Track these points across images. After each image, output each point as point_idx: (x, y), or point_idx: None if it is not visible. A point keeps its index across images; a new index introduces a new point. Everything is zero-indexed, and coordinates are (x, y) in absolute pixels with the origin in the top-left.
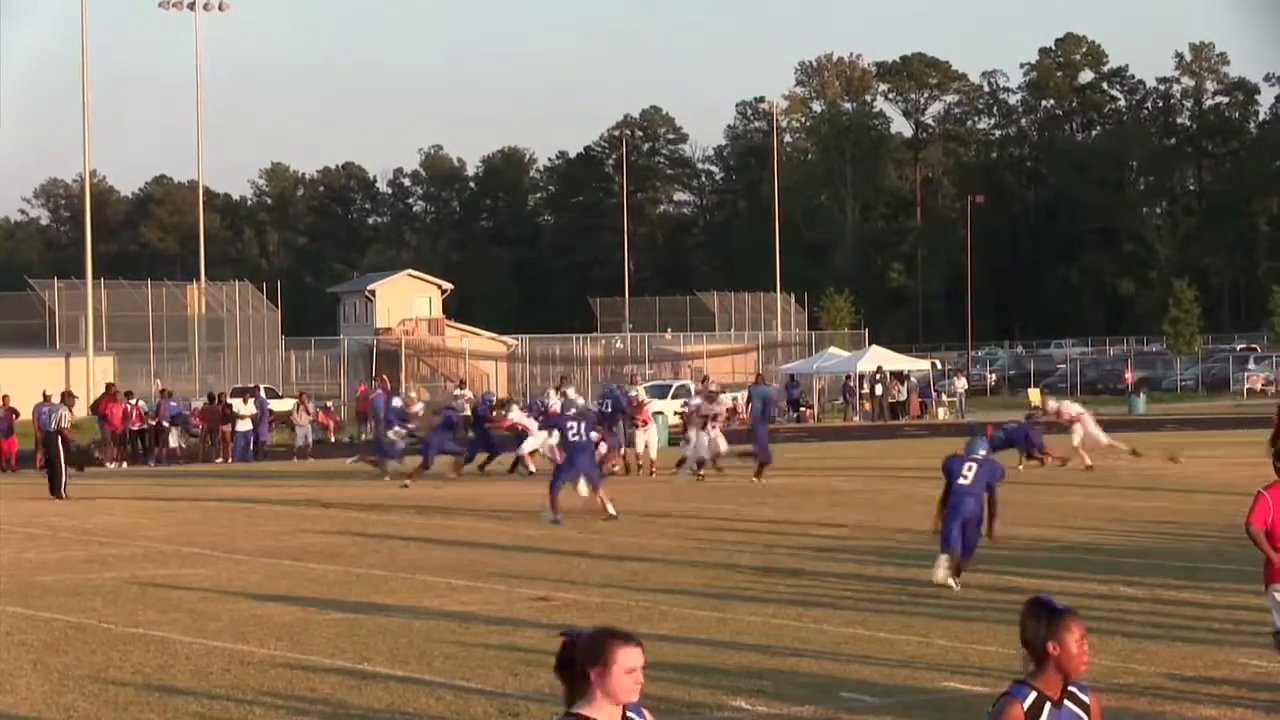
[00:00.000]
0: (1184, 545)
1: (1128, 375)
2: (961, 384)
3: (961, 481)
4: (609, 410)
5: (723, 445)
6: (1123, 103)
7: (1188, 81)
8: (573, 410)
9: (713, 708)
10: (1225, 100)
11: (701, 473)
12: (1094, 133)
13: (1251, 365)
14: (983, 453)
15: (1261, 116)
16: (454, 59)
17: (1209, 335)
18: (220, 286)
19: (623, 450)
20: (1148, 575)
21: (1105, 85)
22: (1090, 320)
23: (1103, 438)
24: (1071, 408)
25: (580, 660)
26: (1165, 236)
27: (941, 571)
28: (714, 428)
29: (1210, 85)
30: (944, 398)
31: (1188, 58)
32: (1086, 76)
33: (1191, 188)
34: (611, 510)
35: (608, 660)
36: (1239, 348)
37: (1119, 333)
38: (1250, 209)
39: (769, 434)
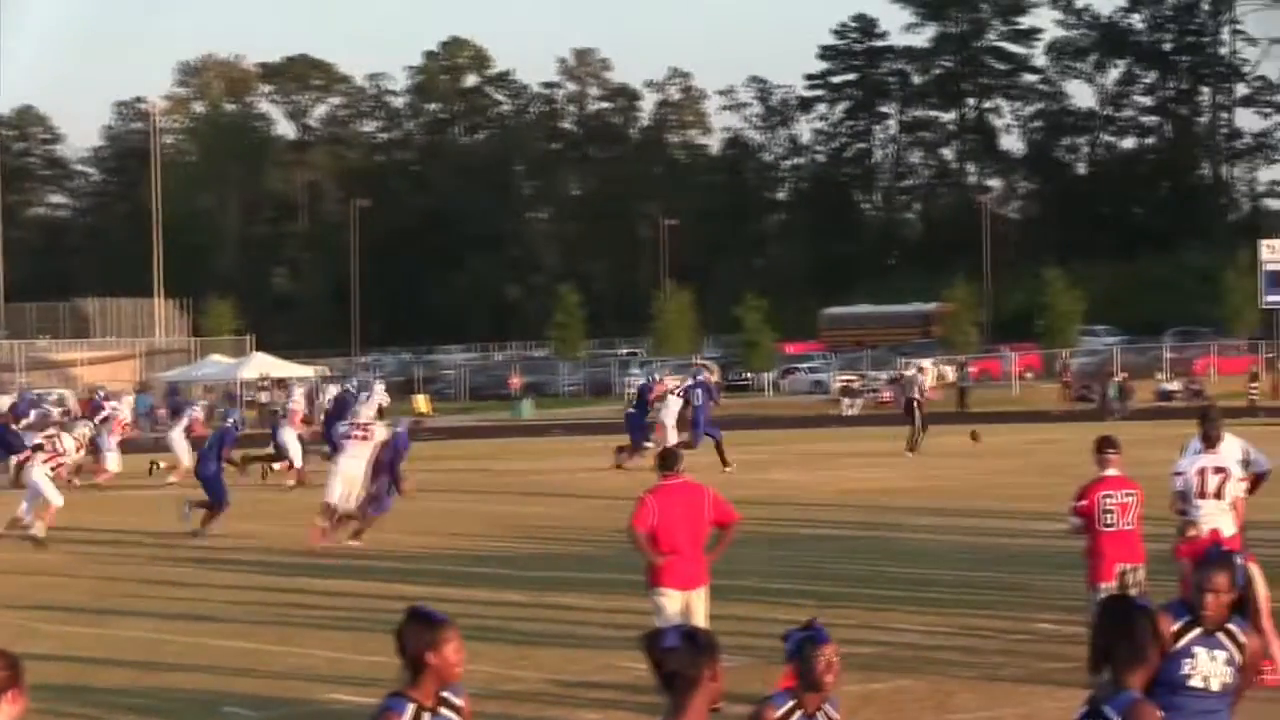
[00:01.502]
0: (570, 550)
1: (514, 380)
2: (335, 391)
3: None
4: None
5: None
6: (508, 107)
7: (571, 86)
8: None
9: None
10: (608, 105)
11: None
12: (480, 137)
13: (634, 369)
14: (400, 430)
15: (643, 122)
16: None
17: (594, 340)
18: None
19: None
20: (534, 581)
21: (490, 89)
22: (478, 326)
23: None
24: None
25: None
26: (550, 242)
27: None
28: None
29: (593, 90)
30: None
31: (571, 63)
32: (472, 80)
33: (576, 193)
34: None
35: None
36: (623, 352)
37: (506, 338)
38: (632, 214)
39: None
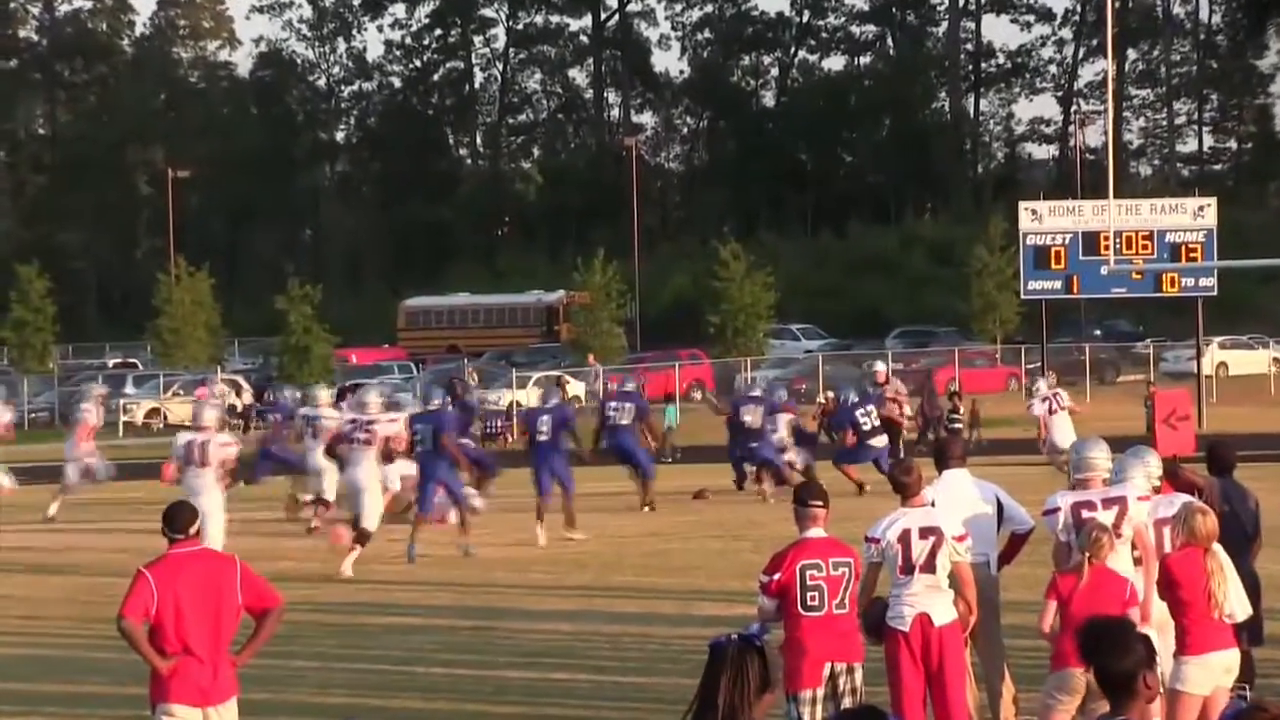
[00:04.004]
0: (42, 653)
1: None
2: None
3: (541, 437)
4: None
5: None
6: None
7: None
8: None
9: None
10: (88, 6)
11: None
12: None
13: (130, 389)
14: (554, 401)
15: (140, 30)
16: None
17: (69, 345)
18: None
19: None
20: None
21: None
22: None
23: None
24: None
25: None
26: (5, 202)
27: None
28: None
29: None
30: None
31: None
32: None
33: (42, 132)
34: None
35: None
36: (112, 364)
37: None
38: (126, 163)
39: None
